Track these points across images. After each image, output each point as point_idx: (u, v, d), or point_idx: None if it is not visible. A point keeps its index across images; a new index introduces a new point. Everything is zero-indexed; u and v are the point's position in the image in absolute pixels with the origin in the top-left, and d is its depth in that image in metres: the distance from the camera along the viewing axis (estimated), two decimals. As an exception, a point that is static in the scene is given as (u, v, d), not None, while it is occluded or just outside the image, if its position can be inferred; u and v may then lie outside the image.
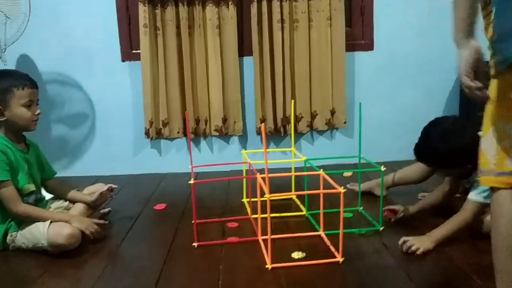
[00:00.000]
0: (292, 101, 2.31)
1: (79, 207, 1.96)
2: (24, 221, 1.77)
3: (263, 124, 1.59)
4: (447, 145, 1.68)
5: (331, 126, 2.86)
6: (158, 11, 2.68)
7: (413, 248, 1.61)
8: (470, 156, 1.69)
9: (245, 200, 2.25)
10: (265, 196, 1.51)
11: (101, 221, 1.89)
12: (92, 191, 2.03)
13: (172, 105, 2.78)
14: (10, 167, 1.75)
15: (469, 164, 1.69)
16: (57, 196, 2.03)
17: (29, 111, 1.80)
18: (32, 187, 1.85)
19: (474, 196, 1.64)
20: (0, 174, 1.71)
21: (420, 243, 1.62)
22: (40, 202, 1.90)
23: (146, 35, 2.67)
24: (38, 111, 1.84)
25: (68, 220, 1.77)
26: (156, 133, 2.82)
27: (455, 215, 1.68)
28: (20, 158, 1.81)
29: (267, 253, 1.59)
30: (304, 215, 2.06)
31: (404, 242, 1.64)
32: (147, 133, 2.80)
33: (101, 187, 2.05)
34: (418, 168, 2.11)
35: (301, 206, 2.13)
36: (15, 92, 1.77)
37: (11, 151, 1.77)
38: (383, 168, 1.81)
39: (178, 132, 2.83)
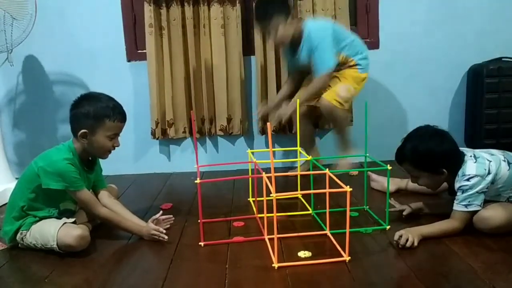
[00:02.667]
0: (298, 100, 2.31)
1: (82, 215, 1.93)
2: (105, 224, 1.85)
3: (268, 123, 1.59)
4: (426, 145, 1.75)
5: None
6: (163, 11, 2.69)
7: (409, 242, 1.63)
8: (446, 161, 1.75)
9: (251, 199, 2.26)
10: (271, 195, 1.51)
11: (160, 229, 1.81)
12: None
13: (177, 105, 2.79)
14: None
15: (444, 168, 1.76)
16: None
17: (109, 142, 1.81)
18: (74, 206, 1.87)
19: (456, 206, 1.73)
20: (77, 184, 1.75)
21: (411, 235, 1.65)
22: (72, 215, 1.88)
23: (152, 34, 2.68)
24: (117, 144, 1.84)
25: (139, 231, 1.81)
26: (161, 133, 2.82)
27: (447, 220, 1.75)
28: (82, 177, 1.80)
29: (273, 252, 1.60)
30: (310, 214, 2.06)
31: (400, 237, 1.65)
32: (153, 134, 2.81)
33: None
34: None
35: (307, 205, 2.13)
36: (106, 122, 1.77)
37: (77, 168, 1.77)
38: (389, 167, 1.81)
39: (184, 132, 2.84)
